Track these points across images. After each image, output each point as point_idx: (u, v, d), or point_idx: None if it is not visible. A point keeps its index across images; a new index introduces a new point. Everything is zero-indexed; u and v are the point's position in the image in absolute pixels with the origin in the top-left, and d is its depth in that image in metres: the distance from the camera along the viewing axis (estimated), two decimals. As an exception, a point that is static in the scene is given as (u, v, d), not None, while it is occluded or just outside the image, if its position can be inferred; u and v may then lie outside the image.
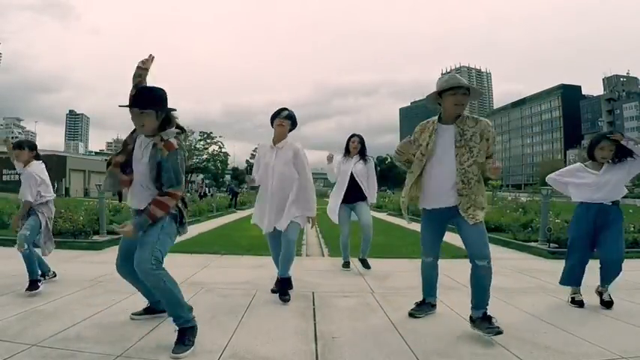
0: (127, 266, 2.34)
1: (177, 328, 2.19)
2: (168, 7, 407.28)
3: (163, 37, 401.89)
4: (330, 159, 4.24)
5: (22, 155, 3.40)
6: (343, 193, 4.22)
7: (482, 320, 2.36)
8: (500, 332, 2.27)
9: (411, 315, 2.76)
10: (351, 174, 4.22)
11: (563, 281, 3.21)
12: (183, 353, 2.07)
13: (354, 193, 4.21)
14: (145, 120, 2.17)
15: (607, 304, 3.00)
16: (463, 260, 4.83)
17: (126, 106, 2.19)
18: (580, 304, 3.06)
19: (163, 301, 2.23)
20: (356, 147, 4.30)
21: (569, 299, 3.14)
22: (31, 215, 3.37)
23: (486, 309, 2.40)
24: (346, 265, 4.45)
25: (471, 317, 2.45)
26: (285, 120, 3.14)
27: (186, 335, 2.17)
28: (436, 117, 2.55)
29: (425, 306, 2.82)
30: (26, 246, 3.22)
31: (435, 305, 2.86)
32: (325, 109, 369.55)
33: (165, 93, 2.25)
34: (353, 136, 4.38)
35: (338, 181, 4.29)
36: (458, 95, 2.40)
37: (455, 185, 2.43)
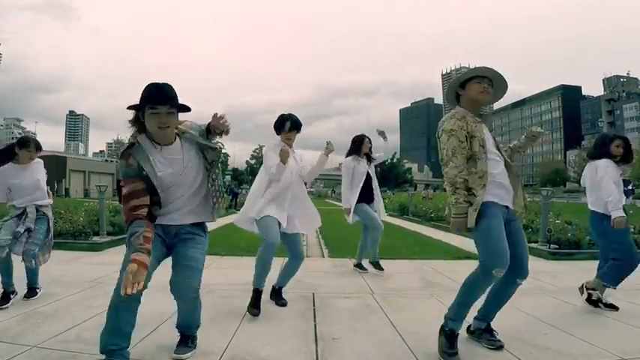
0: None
1: (179, 334, 2.19)
2: (168, 7, 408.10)
3: (163, 38, 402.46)
4: (347, 213, 4.24)
5: (30, 155, 3.11)
6: (358, 193, 4.22)
7: (483, 332, 2.31)
8: (502, 346, 2.22)
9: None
10: (368, 174, 4.26)
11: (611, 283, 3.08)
12: (186, 354, 2.07)
13: (368, 194, 4.26)
14: (171, 121, 1.87)
15: (613, 306, 3.00)
16: (464, 261, 4.84)
17: (154, 104, 1.83)
18: (595, 304, 3.05)
19: (186, 315, 2.14)
20: (369, 148, 4.32)
21: (600, 299, 3.05)
22: (39, 222, 3.12)
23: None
24: (361, 266, 4.44)
25: (468, 327, 2.37)
26: (290, 133, 3.04)
27: (189, 339, 2.17)
28: (460, 111, 2.24)
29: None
30: (34, 262, 3.03)
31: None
32: (325, 110, 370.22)
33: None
34: (366, 137, 4.36)
35: (354, 182, 4.24)
36: (484, 83, 2.19)
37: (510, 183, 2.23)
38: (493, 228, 2.07)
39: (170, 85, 1.90)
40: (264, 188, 3.00)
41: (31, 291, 3.14)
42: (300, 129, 3.13)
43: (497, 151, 2.21)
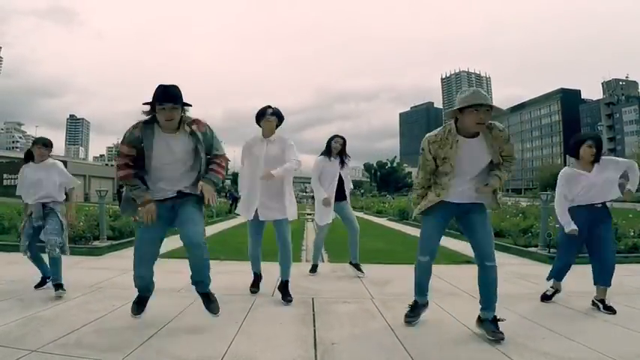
0: (149, 270, 2.59)
1: (201, 292, 2.57)
2: (170, 12, 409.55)
3: (164, 42, 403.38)
4: (327, 203, 4.21)
5: (46, 153, 3.50)
6: (334, 191, 4.25)
7: (490, 322, 2.44)
8: (502, 338, 2.36)
9: (408, 323, 2.73)
10: (340, 176, 4.30)
11: (553, 277, 3.38)
12: (217, 310, 2.55)
13: (339, 193, 4.30)
14: (175, 114, 2.39)
15: (611, 309, 2.99)
16: (464, 266, 4.84)
17: (161, 102, 2.34)
18: (549, 298, 3.35)
19: (196, 266, 2.47)
20: (337, 147, 4.31)
21: (548, 292, 3.37)
22: (51, 217, 3.40)
23: (494, 310, 2.48)
24: (315, 268, 4.47)
25: (479, 317, 2.54)
26: (271, 117, 3.25)
27: (210, 296, 2.57)
28: (449, 127, 2.44)
29: (418, 309, 2.78)
30: (58, 250, 3.33)
31: (427, 304, 2.81)
32: (326, 114, 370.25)
33: None
34: (336, 136, 4.37)
35: (326, 185, 4.26)
36: (480, 113, 2.29)
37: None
38: (424, 228, 2.66)
39: (175, 86, 2.40)
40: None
41: (58, 286, 3.28)
42: (282, 119, 3.32)
43: (469, 169, 2.47)
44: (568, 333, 2.56)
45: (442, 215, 2.61)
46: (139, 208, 2.44)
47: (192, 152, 2.50)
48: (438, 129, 2.52)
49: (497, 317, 2.46)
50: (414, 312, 2.78)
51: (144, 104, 2.41)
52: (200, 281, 2.55)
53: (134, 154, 2.43)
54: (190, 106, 2.48)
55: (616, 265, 3.06)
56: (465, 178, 2.50)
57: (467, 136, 2.42)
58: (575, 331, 2.59)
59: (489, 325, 2.43)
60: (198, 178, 2.51)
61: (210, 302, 2.57)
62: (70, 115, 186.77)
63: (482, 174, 2.51)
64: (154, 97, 2.37)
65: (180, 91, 2.41)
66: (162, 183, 2.52)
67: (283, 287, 3.31)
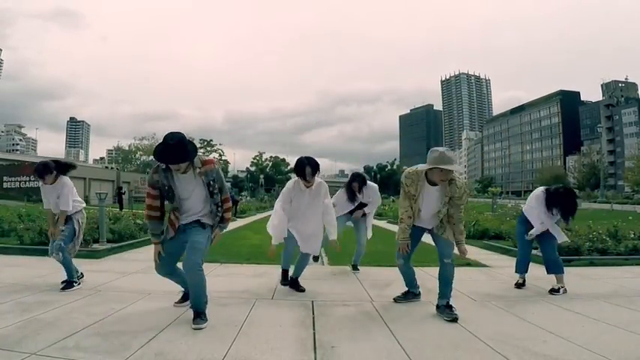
0: (167, 268, 2.93)
1: (193, 311, 2.73)
2: (171, 15, 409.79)
3: (166, 45, 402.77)
4: None
5: (49, 178, 3.63)
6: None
7: (445, 307, 2.94)
8: (457, 318, 2.82)
9: (395, 301, 3.37)
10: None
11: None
12: (203, 324, 2.63)
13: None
14: (181, 166, 2.70)
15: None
16: (463, 268, 4.84)
17: (163, 161, 2.69)
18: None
19: (194, 293, 2.73)
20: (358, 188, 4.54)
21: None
22: (67, 223, 3.71)
23: (449, 299, 2.98)
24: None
25: (437, 305, 3.03)
26: (311, 177, 3.47)
27: (200, 315, 2.69)
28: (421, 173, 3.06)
29: (409, 295, 3.40)
30: (61, 254, 3.60)
31: (419, 295, 3.41)
32: (328, 117, 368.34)
33: (195, 146, 2.76)
34: (355, 180, 4.58)
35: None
36: (444, 171, 2.90)
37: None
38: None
39: (175, 147, 2.62)
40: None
41: (68, 284, 3.57)
42: (318, 169, 3.51)
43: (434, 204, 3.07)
44: (569, 335, 2.56)
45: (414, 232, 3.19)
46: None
47: (204, 188, 2.81)
48: (414, 167, 3.16)
49: (450, 303, 2.95)
50: (405, 297, 3.41)
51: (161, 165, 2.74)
52: (194, 304, 2.75)
53: (158, 193, 2.80)
54: (196, 154, 2.73)
55: (617, 267, 3.08)
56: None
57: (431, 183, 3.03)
58: (576, 334, 2.59)
59: (444, 309, 2.93)
60: (211, 209, 2.87)
61: (195, 317, 2.70)
62: (71, 118, 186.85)
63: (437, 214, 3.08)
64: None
65: (188, 150, 2.65)
66: (183, 213, 2.87)
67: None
